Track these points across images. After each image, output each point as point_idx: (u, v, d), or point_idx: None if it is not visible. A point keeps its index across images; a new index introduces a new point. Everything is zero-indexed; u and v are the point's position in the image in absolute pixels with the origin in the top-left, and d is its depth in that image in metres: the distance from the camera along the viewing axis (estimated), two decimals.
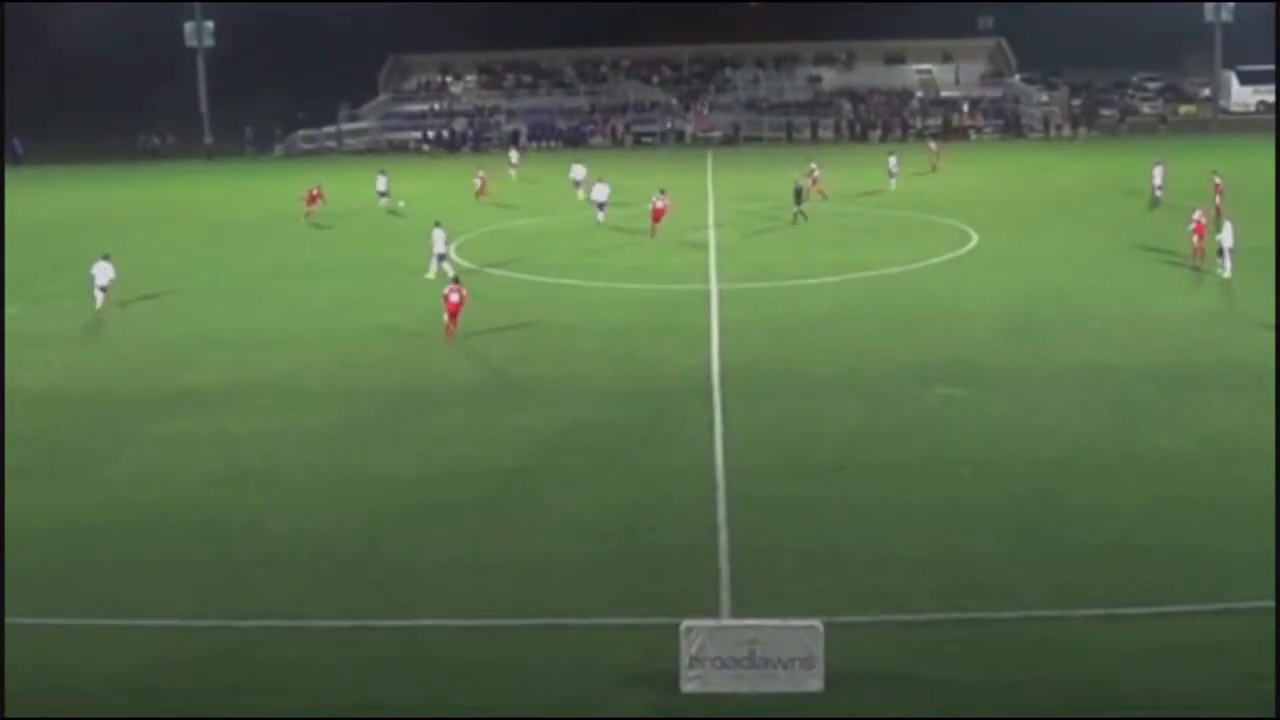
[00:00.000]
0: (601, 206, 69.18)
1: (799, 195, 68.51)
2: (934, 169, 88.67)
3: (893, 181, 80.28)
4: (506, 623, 24.25)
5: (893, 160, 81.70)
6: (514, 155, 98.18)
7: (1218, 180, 61.89)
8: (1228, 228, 52.10)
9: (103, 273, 50.82)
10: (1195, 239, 54.77)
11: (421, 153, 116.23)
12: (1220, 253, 51.80)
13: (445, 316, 44.75)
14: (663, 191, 64.48)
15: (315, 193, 72.12)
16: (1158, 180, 72.32)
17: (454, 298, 44.74)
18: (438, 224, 55.44)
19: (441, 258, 55.05)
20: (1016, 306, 47.41)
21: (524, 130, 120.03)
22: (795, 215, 67.70)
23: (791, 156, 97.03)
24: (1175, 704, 21.15)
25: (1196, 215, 55.58)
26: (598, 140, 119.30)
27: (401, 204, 74.63)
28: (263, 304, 51.68)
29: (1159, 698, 21.36)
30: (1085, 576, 25.78)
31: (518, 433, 35.00)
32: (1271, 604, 24.13)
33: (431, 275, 54.29)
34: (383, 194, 76.75)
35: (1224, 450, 32.71)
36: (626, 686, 21.85)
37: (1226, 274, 51.05)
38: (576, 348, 43.51)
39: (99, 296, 50.29)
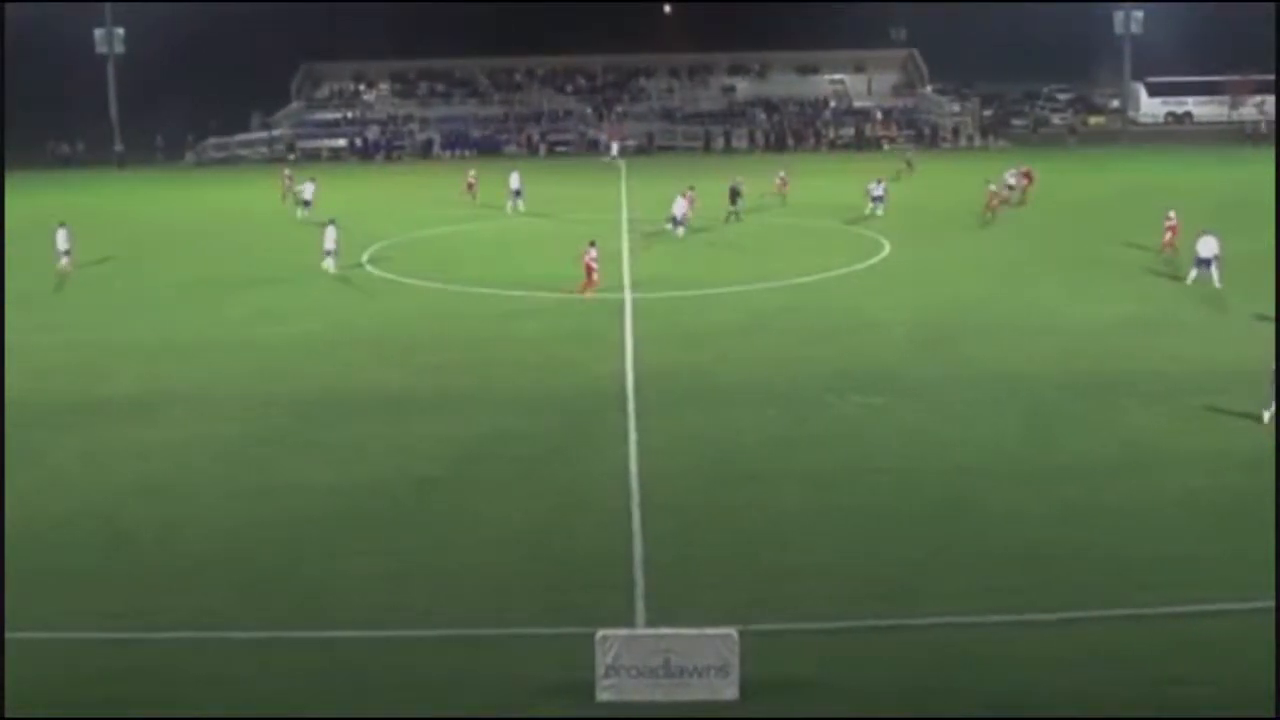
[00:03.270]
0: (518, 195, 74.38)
1: (734, 196, 70.87)
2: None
3: (878, 207, 73.95)
4: (423, 633, 24.19)
5: (877, 187, 75.70)
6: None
7: (1171, 220, 59.65)
8: (1211, 241, 52.51)
9: (62, 239, 57.72)
10: (1168, 235, 58.21)
11: (339, 160, 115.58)
12: (1205, 263, 52.14)
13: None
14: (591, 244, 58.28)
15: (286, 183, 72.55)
16: (1010, 180, 77.20)
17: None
18: (331, 221, 58.09)
19: (329, 253, 57.60)
20: (930, 315, 47.77)
21: (437, 139, 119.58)
22: (729, 215, 70.27)
23: (707, 166, 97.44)
24: (1088, 709, 21.40)
25: (1170, 215, 58.61)
26: (511, 149, 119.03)
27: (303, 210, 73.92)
28: (177, 313, 51.25)
29: (1072, 703, 21.58)
30: (1000, 583, 26.01)
31: (435, 442, 34.92)
32: (1188, 608, 24.57)
33: (329, 268, 57.01)
34: (307, 203, 74.73)
35: (1137, 457, 33.09)
36: (542, 696, 21.84)
37: (1217, 284, 51.51)
38: (493, 357, 43.44)
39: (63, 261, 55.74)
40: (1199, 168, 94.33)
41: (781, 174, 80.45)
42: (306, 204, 74.01)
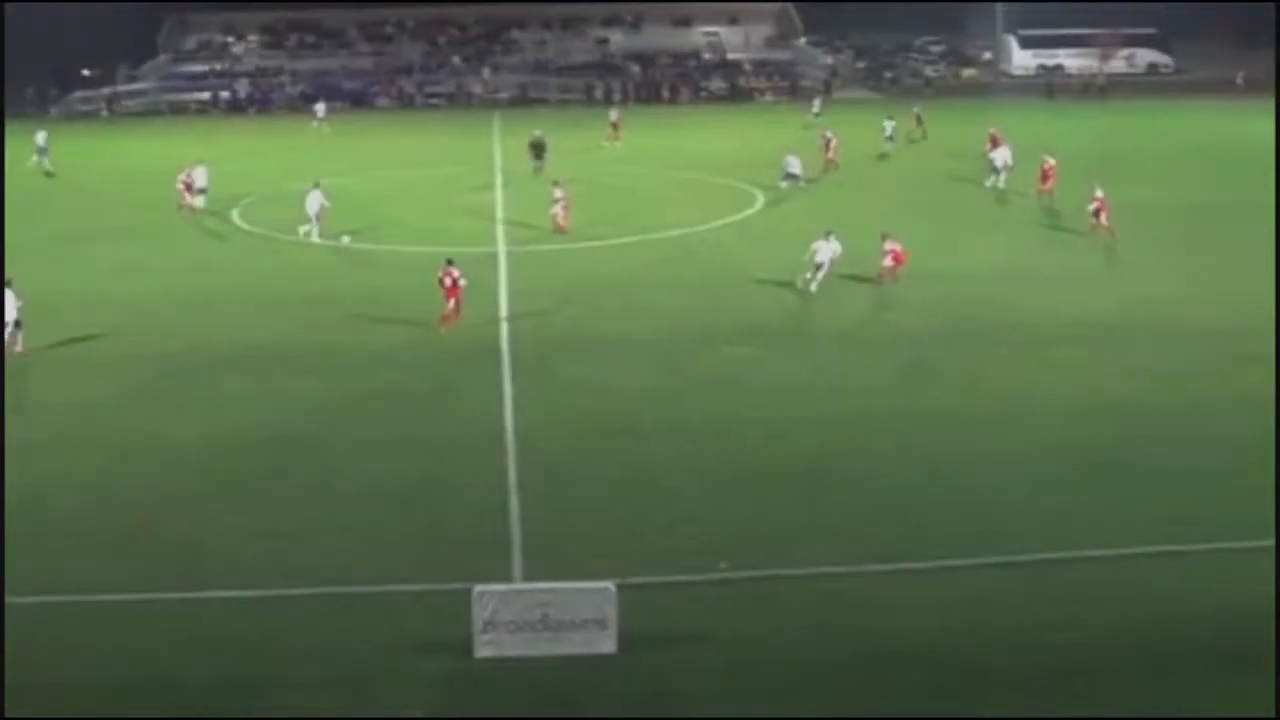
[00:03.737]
0: None
1: (538, 151, 71.68)
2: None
3: (889, 145, 78.64)
4: (297, 592, 24.02)
5: (889, 124, 79.88)
6: (320, 109, 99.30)
7: (1049, 164, 61.81)
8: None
9: None
10: (1047, 182, 59.94)
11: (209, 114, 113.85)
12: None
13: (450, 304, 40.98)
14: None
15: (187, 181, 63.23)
16: (888, 132, 78.74)
17: (448, 282, 40.88)
18: (316, 185, 55.43)
19: (315, 218, 54.68)
20: (801, 267, 47.93)
21: (309, 91, 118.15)
22: (535, 170, 70.24)
23: (581, 119, 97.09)
24: (959, 654, 21.71)
25: (1048, 160, 60.68)
26: (383, 102, 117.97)
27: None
28: (39, 271, 50.17)
29: (945, 649, 21.88)
30: (872, 532, 26.30)
31: (306, 399, 34.64)
32: (1055, 554, 25.11)
33: (308, 234, 54.51)
34: (203, 190, 64.18)
35: (1005, 407, 33.55)
36: (420, 653, 21.79)
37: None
38: (365, 312, 43.08)
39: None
40: (1065, 118, 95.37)
41: (828, 135, 79.75)
42: (203, 191, 63.70)
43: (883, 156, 76.52)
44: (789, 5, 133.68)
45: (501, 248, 52.51)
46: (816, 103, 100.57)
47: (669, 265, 49.50)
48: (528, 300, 43.96)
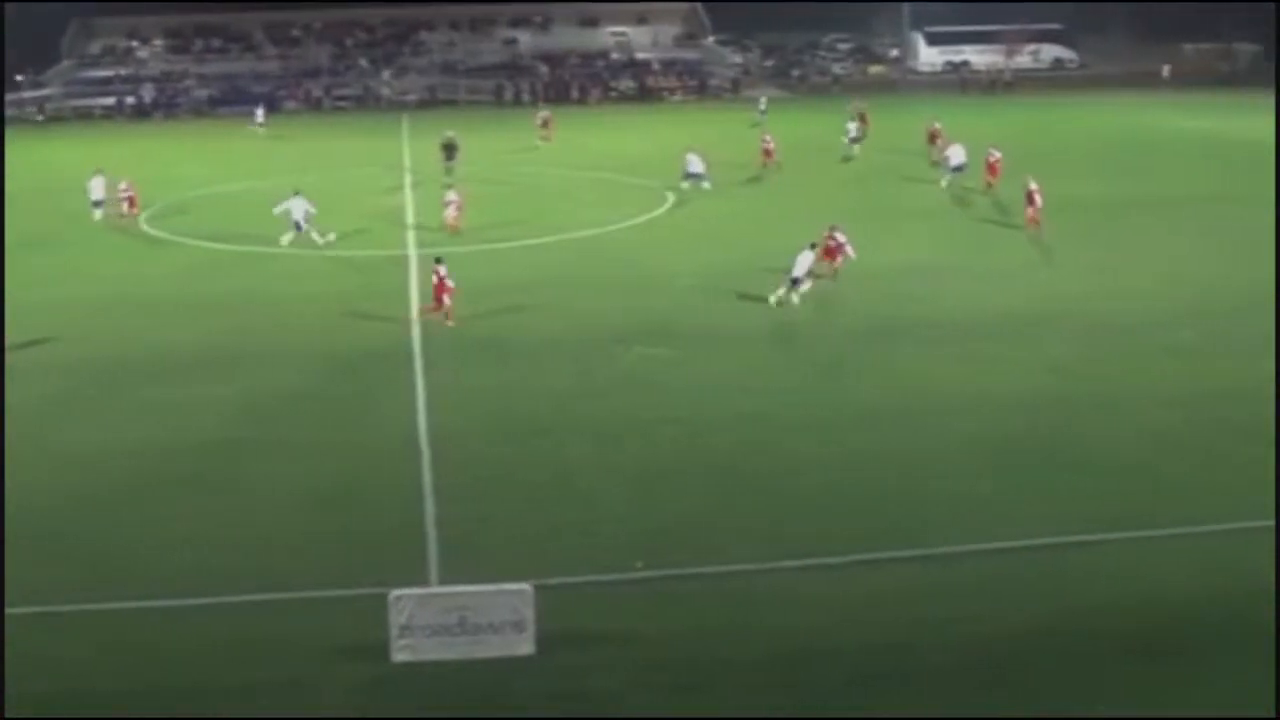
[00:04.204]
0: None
1: (450, 152, 71.89)
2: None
3: (855, 147, 77.51)
4: (215, 600, 23.80)
5: (853, 126, 79.30)
6: (260, 114, 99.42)
7: (994, 157, 63.06)
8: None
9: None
10: (991, 175, 60.98)
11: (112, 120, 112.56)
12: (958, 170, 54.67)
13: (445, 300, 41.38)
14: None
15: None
16: (852, 133, 77.18)
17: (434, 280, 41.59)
18: (297, 192, 54.60)
19: (298, 224, 53.76)
20: (714, 266, 48.09)
21: (215, 95, 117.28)
22: (447, 170, 70.40)
23: (491, 120, 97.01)
24: (876, 648, 21.86)
25: (993, 153, 61.65)
26: (291, 105, 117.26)
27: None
28: None
29: (862, 643, 22.04)
30: (788, 529, 26.39)
31: (222, 405, 34.37)
32: (971, 546, 25.34)
33: (291, 241, 53.58)
34: (97, 203, 61.82)
35: (921, 402, 33.75)
36: (338, 659, 21.68)
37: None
38: (278, 316, 42.89)
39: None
40: (973, 113, 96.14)
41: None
42: (97, 204, 61.22)
43: (846, 160, 75.62)
44: (697, 5, 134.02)
45: (412, 250, 52.32)
46: (763, 100, 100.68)
47: (582, 265, 49.49)
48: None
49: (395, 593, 21.62)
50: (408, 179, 70.53)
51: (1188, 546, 25.35)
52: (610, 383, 35.80)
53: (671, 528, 26.57)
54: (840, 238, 45.45)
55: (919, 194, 63.35)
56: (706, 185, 64.50)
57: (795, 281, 42.40)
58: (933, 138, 73.16)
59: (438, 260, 42.31)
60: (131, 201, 60.32)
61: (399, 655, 21.41)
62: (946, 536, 25.80)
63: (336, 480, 29.33)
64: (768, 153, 71.34)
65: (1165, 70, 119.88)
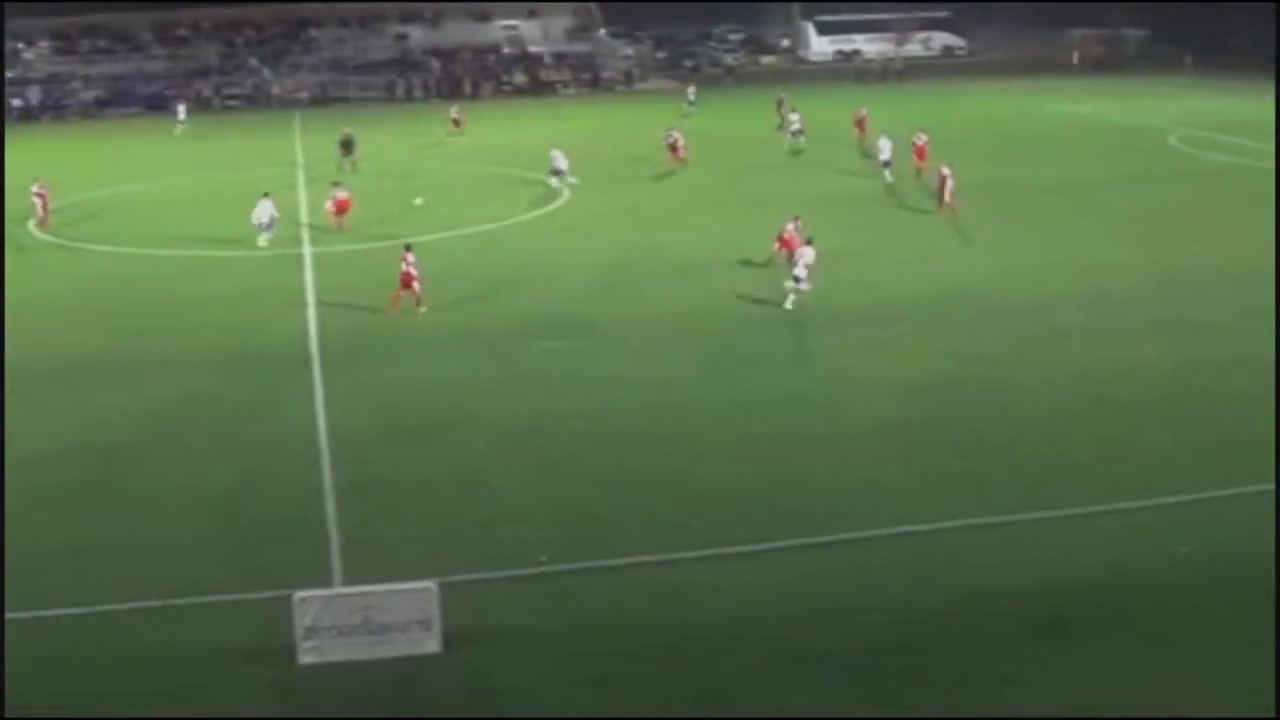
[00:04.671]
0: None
1: (347, 147, 71.64)
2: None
3: (800, 139, 74.54)
4: (115, 608, 23.52)
5: (795, 116, 76.29)
6: (181, 112, 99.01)
7: (920, 141, 63.87)
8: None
9: None
10: (918, 158, 62.00)
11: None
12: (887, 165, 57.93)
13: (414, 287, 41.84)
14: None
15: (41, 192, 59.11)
16: (795, 125, 75.29)
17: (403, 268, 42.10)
18: (266, 195, 53.76)
19: (267, 226, 52.79)
20: (611, 259, 48.09)
21: (103, 97, 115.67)
22: (346, 165, 70.64)
23: (383, 116, 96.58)
24: (785, 636, 21.93)
25: (920, 137, 63.03)
26: (181, 105, 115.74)
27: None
28: None
29: (769, 631, 22.09)
30: (690, 520, 26.45)
31: (117, 411, 33.89)
32: (876, 532, 25.54)
33: (263, 244, 52.56)
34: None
35: (826, 388, 34.03)
36: (244, 663, 21.49)
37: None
38: (172, 320, 42.34)
39: None
40: (867, 101, 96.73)
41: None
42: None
43: (796, 153, 73.50)
44: None
45: (307, 249, 51.91)
46: (691, 91, 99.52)
47: (480, 260, 49.27)
48: (337, 299, 43.47)
49: (299, 594, 21.46)
50: (301, 177, 69.89)
51: (1087, 527, 25.70)
52: (512, 377, 35.70)
53: (576, 521, 26.55)
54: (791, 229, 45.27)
55: (828, 181, 63.58)
56: (573, 180, 63.44)
57: (797, 279, 41.26)
58: (859, 125, 73.30)
59: (407, 248, 42.85)
60: (44, 203, 58.43)
61: (306, 657, 21.24)
62: (852, 523, 25.96)
63: (235, 483, 29.06)
64: (674, 148, 70.30)
65: (1075, 56, 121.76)
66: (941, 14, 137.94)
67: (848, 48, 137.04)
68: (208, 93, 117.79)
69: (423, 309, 41.42)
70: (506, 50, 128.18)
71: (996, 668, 20.76)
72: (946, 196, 53.25)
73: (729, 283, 44.37)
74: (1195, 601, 22.64)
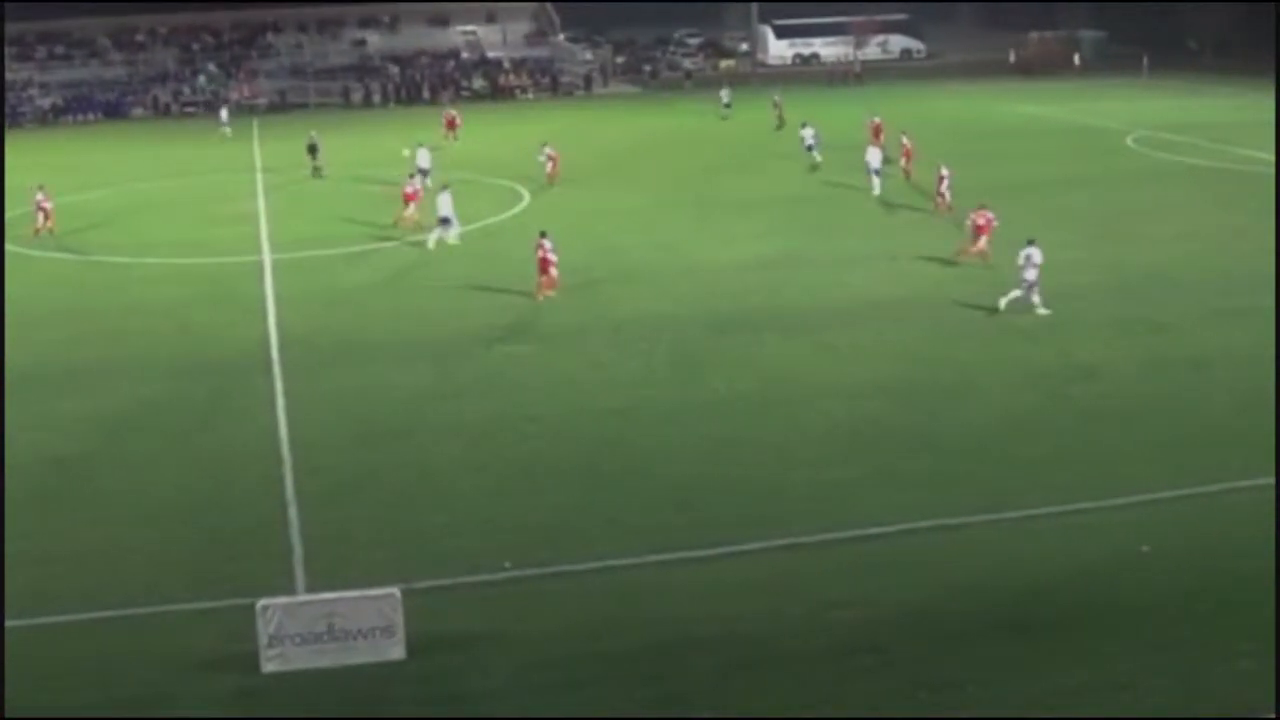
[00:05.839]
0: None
1: (312, 151, 71.84)
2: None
3: (815, 154, 69.60)
4: (76, 618, 23.38)
5: (808, 132, 71.18)
6: (224, 115, 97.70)
7: (906, 144, 64.10)
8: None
9: None
10: (903, 160, 62.39)
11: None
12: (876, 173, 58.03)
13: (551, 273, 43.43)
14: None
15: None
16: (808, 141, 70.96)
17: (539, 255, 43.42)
18: (445, 187, 53.43)
19: (445, 221, 51.84)
20: (573, 263, 47.88)
21: (59, 103, 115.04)
22: (314, 170, 71.08)
23: (341, 122, 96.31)
24: (748, 637, 21.94)
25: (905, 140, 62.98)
26: (139, 111, 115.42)
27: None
28: None
29: (732, 632, 22.09)
30: (656, 522, 26.44)
31: (75, 419, 33.67)
32: (838, 534, 25.60)
33: (432, 244, 52.01)
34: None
35: (781, 391, 33.99)
36: (207, 672, 21.39)
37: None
38: (131, 328, 42.11)
39: None
40: (826, 104, 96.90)
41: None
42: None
43: (814, 168, 69.00)
44: (546, 3, 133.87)
45: (266, 255, 51.73)
46: (724, 93, 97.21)
47: (440, 266, 49.16)
48: (296, 306, 43.38)
49: (262, 602, 21.37)
50: (260, 183, 69.68)
51: (1049, 526, 25.83)
52: (472, 382, 35.65)
53: (538, 525, 26.52)
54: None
55: (787, 180, 63.79)
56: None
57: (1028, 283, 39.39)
58: (876, 132, 69.70)
59: (542, 234, 43.81)
60: (46, 213, 56.96)
61: (269, 665, 21.16)
62: (816, 524, 25.99)
63: (196, 490, 28.92)
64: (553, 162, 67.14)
65: (1076, 58, 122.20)
66: (899, 17, 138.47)
67: (806, 51, 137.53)
68: (165, 99, 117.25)
69: (552, 293, 42.91)
70: (465, 55, 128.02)
71: (961, 667, 20.80)
72: (944, 195, 53.95)
73: (682, 286, 44.51)
74: (1157, 600, 22.75)
